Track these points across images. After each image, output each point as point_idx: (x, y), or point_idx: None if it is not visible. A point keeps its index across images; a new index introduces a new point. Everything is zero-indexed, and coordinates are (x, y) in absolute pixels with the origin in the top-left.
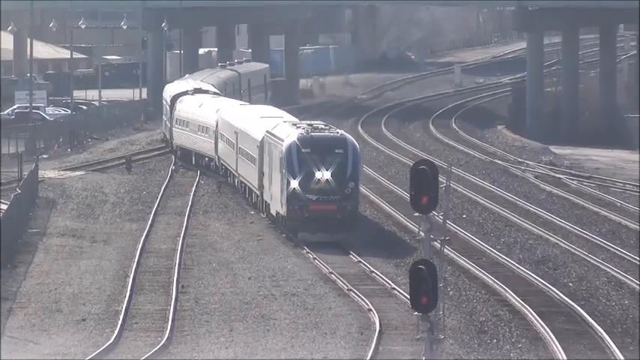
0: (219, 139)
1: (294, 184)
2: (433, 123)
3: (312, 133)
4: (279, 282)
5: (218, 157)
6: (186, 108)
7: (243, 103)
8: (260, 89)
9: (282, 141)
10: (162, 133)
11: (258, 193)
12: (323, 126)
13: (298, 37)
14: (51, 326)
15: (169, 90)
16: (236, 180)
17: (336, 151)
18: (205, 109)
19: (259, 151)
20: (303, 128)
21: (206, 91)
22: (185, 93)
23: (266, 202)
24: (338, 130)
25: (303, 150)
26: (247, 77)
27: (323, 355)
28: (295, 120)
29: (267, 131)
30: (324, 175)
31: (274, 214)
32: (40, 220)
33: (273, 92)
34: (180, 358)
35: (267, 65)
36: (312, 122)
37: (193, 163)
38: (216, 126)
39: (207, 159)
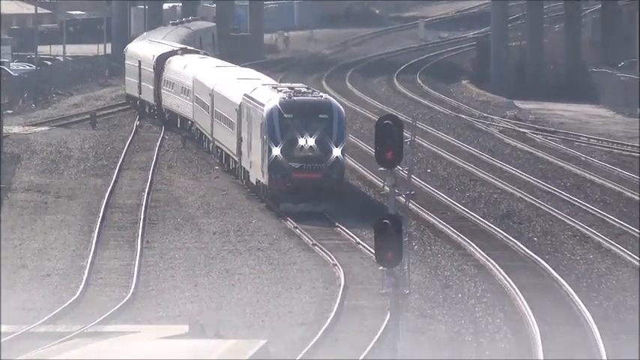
0: (195, 102)
1: (276, 151)
2: (397, 78)
3: (295, 97)
4: (244, 237)
5: (193, 121)
6: (174, 68)
7: (219, 63)
8: (209, 47)
9: (263, 105)
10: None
11: (237, 160)
12: (305, 89)
13: None
14: (16, 282)
15: (141, 48)
16: (211, 145)
17: (321, 116)
18: (188, 70)
19: (237, 115)
20: (285, 92)
21: (196, 52)
22: (174, 53)
23: (245, 169)
24: (322, 94)
25: (285, 115)
26: (199, 34)
27: (288, 310)
28: (274, 82)
29: (246, 94)
30: (307, 141)
31: (254, 183)
32: (5, 176)
33: (238, 47)
34: (146, 313)
35: (214, 24)
36: (294, 85)
37: (178, 126)
38: (192, 88)
39: (189, 123)
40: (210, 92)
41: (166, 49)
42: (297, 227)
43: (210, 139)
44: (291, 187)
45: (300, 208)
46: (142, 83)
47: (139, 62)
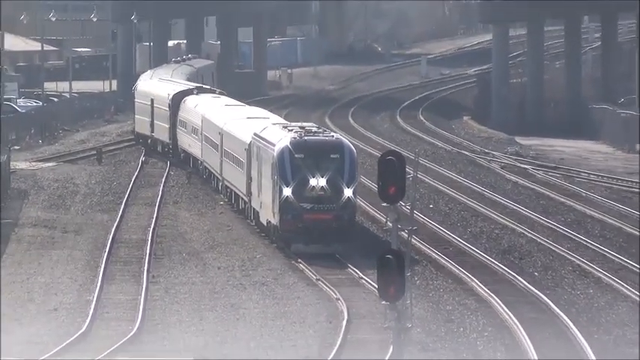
0: (204, 141)
1: (287, 191)
2: (400, 114)
3: (306, 137)
4: (248, 271)
5: (201, 160)
6: (188, 107)
7: (228, 102)
8: (209, 84)
9: (274, 145)
10: (132, 125)
11: (246, 200)
12: (316, 129)
13: (266, 29)
14: (23, 316)
15: (154, 87)
16: (220, 184)
17: (332, 156)
18: (198, 108)
19: (247, 154)
20: (296, 131)
21: (212, 91)
22: (189, 92)
23: (254, 209)
24: (333, 134)
25: (296, 155)
26: (201, 72)
27: (292, 344)
28: (284, 122)
29: (256, 134)
30: (319, 181)
31: (264, 223)
32: (13, 211)
33: (241, 84)
34: (152, 346)
35: (214, 61)
36: (304, 124)
37: (191, 166)
38: (201, 127)
39: (199, 162)
40: (219, 131)
41: (182, 87)
42: (300, 262)
43: (220, 178)
44: (303, 228)
45: (312, 250)
46: (155, 122)
47: (152, 100)
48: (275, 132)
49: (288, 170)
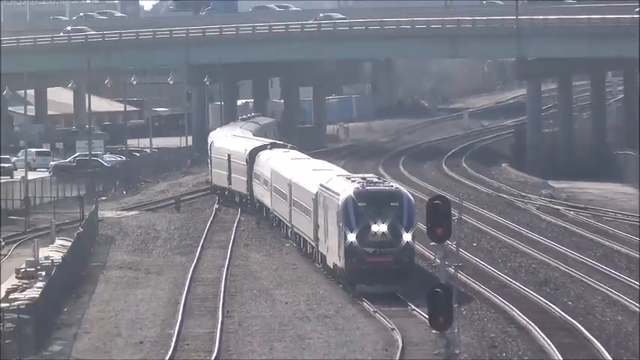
0: (273, 192)
1: (352, 237)
2: (445, 162)
3: (368, 187)
4: (312, 305)
5: (272, 209)
6: (261, 162)
7: (295, 156)
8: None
9: (339, 195)
10: (206, 177)
11: (314, 245)
12: (377, 180)
13: (324, 88)
14: (112, 349)
15: (230, 143)
16: (289, 231)
17: (392, 204)
18: (269, 162)
19: (314, 203)
20: (358, 182)
21: (284, 146)
22: (264, 147)
23: (322, 253)
24: (392, 184)
25: (359, 204)
26: (265, 129)
27: None
28: (348, 173)
29: (322, 184)
30: (380, 228)
31: (331, 266)
32: (101, 255)
33: (303, 138)
34: None
35: (275, 119)
36: (366, 175)
37: (264, 214)
38: (271, 178)
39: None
40: (288, 182)
41: (257, 143)
42: (364, 300)
43: (289, 225)
44: (366, 270)
45: (375, 290)
46: (233, 175)
47: (229, 156)
48: (339, 183)
49: (352, 217)
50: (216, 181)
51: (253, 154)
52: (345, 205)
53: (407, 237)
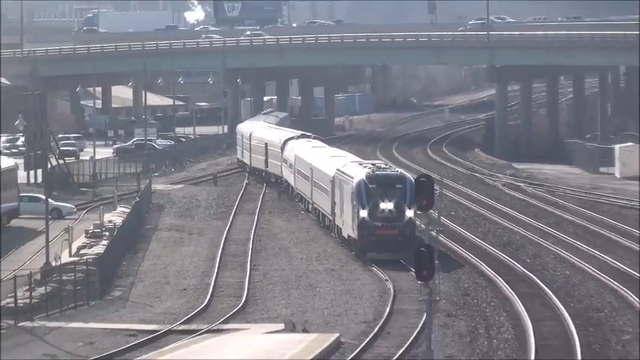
0: (296, 174)
1: (364, 213)
2: (430, 148)
3: (377, 172)
4: (322, 261)
5: (295, 187)
6: (288, 149)
7: (315, 144)
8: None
9: (353, 178)
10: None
11: (331, 218)
12: (384, 165)
13: (333, 88)
14: (162, 294)
15: (267, 133)
16: (310, 206)
17: (397, 186)
18: (294, 150)
19: (331, 184)
20: (369, 167)
21: (308, 136)
22: (292, 138)
23: (338, 226)
24: (397, 169)
25: (370, 185)
26: (282, 121)
27: (354, 312)
28: (359, 160)
29: (338, 169)
30: (387, 206)
31: (346, 237)
32: (153, 219)
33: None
34: (253, 315)
35: (287, 113)
36: (375, 162)
37: (290, 192)
38: (294, 162)
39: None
40: (310, 167)
41: (289, 134)
42: (353, 251)
43: (310, 201)
44: (375, 241)
45: (383, 257)
46: (269, 160)
47: (266, 144)
48: (353, 167)
49: (364, 197)
50: (255, 164)
51: (284, 142)
52: (358, 187)
53: (409, 213)
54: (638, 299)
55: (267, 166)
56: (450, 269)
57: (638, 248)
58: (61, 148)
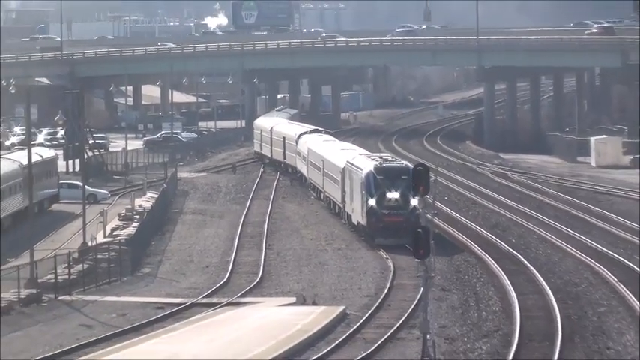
0: (309, 165)
1: (372, 202)
2: (425, 140)
3: (384, 164)
4: (330, 241)
5: (307, 177)
6: (301, 142)
7: (326, 139)
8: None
9: (362, 170)
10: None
11: (341, 207)
12: (391, 158)
13: (339, 86)
14: (186, 270)
15: (285, 128)
16: (322, 194)
17: (403, 177)
18: (307, 144)
19: (342, 175)
20: (377, 160)
21: (319, 131)
22: (305, 132)
23: (348, 213)
24: (403, 162)
25: (377, 177)
26: (293, 117)
27: (358, 287)
28: (368, 153)
29: (348, 161)
30: (394, 195)
31: (355, 224)
32: (179, 204)
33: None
34: (268, 290)
35: (298, 110)
36: (382, 155)
37: (304, 181)
38: (307, 155)
39: (305, 178)
40: (322, 159)
41: (303, 129)
42: (363, 236)
43: (322, 190)
44: (383, 227)
45: (389, 242)
46: (287, 152)
47: (284, 138)
48: (362, 160)
49: (372, 187)
50: (275, 157)
51: (298, 136)
52: (367, 178)
53: (414, 202)
54: (638, 300)
55: (284, 158)
56: (445, 248)
57: (614, 231)
58: (96, 142)
